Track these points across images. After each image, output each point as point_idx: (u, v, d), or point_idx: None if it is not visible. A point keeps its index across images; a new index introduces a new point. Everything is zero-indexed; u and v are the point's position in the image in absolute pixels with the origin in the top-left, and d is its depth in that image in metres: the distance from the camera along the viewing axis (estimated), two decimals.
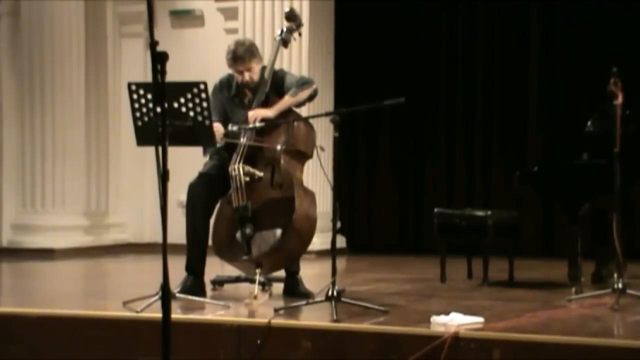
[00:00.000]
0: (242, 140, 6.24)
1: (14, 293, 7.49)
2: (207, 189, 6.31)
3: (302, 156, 6.34)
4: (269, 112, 6.26)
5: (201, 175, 6.41)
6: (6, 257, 9.93)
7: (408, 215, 10.64)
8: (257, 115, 6.23)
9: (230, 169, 6.20)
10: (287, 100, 6.31)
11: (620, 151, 5.87)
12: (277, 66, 6.59)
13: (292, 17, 6.67)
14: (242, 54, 6.32)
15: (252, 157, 6.23)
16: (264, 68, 6.47)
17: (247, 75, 6.37)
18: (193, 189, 6.32)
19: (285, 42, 6.65)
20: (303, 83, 6.38)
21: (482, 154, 10.32)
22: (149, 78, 4.13)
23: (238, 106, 6.46)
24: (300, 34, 6.74)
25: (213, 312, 5.74)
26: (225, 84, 6.53)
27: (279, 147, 6.22)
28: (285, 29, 6.65)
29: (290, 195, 6.10)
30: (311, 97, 6.38)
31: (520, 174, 7.19)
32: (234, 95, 6.49)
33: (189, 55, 10.26)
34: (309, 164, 6.50)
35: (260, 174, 6.19)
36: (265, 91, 6.39)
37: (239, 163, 6.19)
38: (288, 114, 6.31)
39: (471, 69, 10.39)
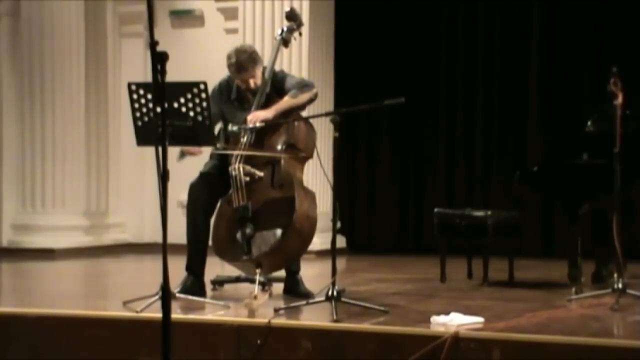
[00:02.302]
0: (242, 139, 6.24)
1: (14, 293, 7.49)
2: (208, 189, 6.32)
3: (302, 156, 6.34)
4: (268, 114, 6.25)
5: (202, 175, 6.41)
6: (6, 257, 9.93)
7: (408, 216, 10.64)
8: (256, 118, 6.22)
9: (230, 169, 6.20)
10: (286, 102, 6.30)
11: (620, 151, 5.87)
12: (277, 67, 6.59)
13: (292, 16, 6.66)
14: (245, 65, 6.31)
15: (252, 157, 6.22)
16: (264, 69, 6.47)
17: (251, 83, 6.37)
18: (193, 188, 6.32)
19: (285, 42, 6.64)
20: (304, 86, 6.37)
21: (482, 154, 10.32)
22: (149, 78, 4.13)
23: (237, 108, 6.45)
24: (300, 34, 6.74)
25: (213, 312, 5.74)
26: (225, 87, 6.52)
27: (279, 147, 6.22)
28: (285, 29, 6.64)
29: (290, 195, 6.09)
30: (311, 101, 6.37)
31: (520, 174, 7.18)
32: (235, 98, 6.48)
33: (189, 55, 10.26)
34: (309, 164, 6.50)
35: (260, 173, 6.19)
36: (266, 91, 6.39)
37: (239, 163, 6.19)
38: (288, 114, 6.30)
39: (471, 69, 10.38)
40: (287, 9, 6.97)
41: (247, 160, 6.20)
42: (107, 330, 5.48)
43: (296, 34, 6.68)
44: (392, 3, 10.51)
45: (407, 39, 10.51)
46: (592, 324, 5.30)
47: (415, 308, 5.97)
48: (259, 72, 6.38)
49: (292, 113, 6.31)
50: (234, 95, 6.47)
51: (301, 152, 6.30)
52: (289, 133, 6.25)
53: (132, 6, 10.87)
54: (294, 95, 6.29)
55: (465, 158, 10.39)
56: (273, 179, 6.18)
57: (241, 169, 6.16)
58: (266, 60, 6.57)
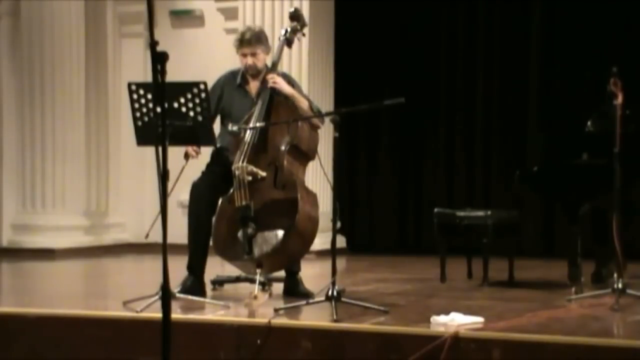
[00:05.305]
0: (245, 138, 6.23)
1: (14, 293, 7.49)
2: (210, 188, 6.32)
3: (304, 157, 6.34)
4: (286, 88, 6.29)
5: (204, 175, 6.42)
6: (6, 257, 9.93)
7: (408, 215, 10.65)
8: (275, 80, 6.26)
9: (233, 168, 6.20)
10: (303, 101, 6.33)
11: (620, 151, 5.87)
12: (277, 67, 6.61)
13: (296, 17, 6.67)
14: (249, 38, 6.39)
15: (255, 157, 6.23)
16: (268, 68, 6.47)
17: (250, 60, 6.40)
18: (196, 187, 6.33)
19: (289, 42, 6.63)
20: (320, 112, 6.45)
21: (482, 154, 10.32)
22: (149, 78, 4.13)
23: (243, 96, 6.47)
24: (304, 34, 6.74)
25: (213, 312, 5.74)
26: (231, 78, 6.55)
27: (282, 148, 6.22)
28: (289, 29, 6.64)
29: (293, 196, 6.09)
30: (315, 126, 6.37)
31: (520, 174, 7.19)
32: (239, 85, 6.50)
33: (189, 55, 10.26)
34: (310, 164, 6.49)
35: (263, 173, 6.19)
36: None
37: (242, 162, 6.19)
38: (291, 114, 6.28)
39: (471, 69, 10.39)
40: (288, 9, 7.00)
41: (250, 160, 6.21)
42: (107, 330, 5.48)
43: (300, 35, 6.69)
44: (392, 3, 10.51)
45: (407, 39, 10.51)
46: (592, 324, 5.30)
47: (415, 308, 5.97)
48: (261, 54, 6.43)
49: (295, 113, 6.29)
50: (239, 81, 6.49)
51: (305, 153, 6.31)
52: (292, 133, 6.25)
53: (132, 6, 10.87)
54: (311, 107, 6.34)
55: (465, 158, 10.39)
56: (276, 180, 6.19)
57: (244, 169, 6.17)
58: (268, 61, 6.57)
